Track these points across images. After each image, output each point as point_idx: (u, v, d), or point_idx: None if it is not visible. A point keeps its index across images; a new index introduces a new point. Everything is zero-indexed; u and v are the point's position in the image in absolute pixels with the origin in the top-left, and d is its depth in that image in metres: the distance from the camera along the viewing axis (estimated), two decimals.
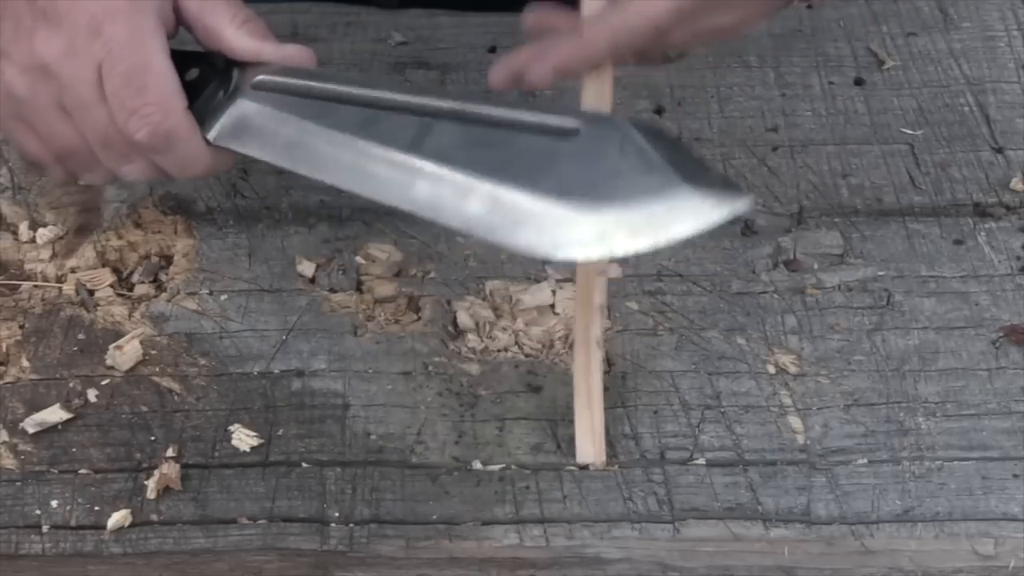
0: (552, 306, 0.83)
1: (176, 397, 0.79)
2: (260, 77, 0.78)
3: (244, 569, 0.74)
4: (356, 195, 0.74)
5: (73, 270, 0.84)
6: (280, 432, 0.77)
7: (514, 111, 0.73)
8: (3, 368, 0.80)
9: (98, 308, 0.82)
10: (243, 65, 0.78)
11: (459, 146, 0.73)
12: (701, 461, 0.76)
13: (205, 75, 0.78)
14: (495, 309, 0.83)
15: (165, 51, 0.76)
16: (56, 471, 0.76)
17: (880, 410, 0.78)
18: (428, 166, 0.72)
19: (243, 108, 0.77)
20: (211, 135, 0.77)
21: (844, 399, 0.79)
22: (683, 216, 0.68)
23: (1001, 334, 0.81)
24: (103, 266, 0.85)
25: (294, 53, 0.78)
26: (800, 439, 0.77)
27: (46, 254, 0.85)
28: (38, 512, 0.74)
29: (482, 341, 0.81)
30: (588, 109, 0.75)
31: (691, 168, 0.69)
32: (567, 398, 0.78)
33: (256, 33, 0.78)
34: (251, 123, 0.77)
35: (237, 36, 0.78)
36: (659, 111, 0.91)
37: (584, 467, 0.76)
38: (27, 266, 0.84)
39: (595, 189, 0.69)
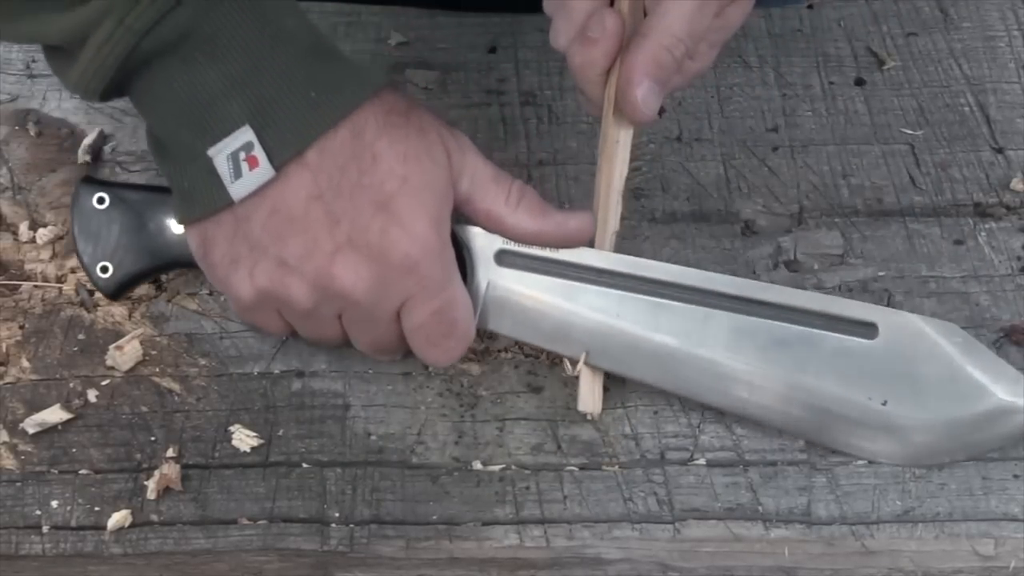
0: None
1: (176, 397, 0.79)
2: (501, 247, 0.76)
3: (244, 569, 0.74)
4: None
5: (73, 270, 0.84)
6: (280, 432, 0.77)
7: (805, 300, 0.76)
8: (3, 368, 0.80)
9: (98, 308, 0.82)
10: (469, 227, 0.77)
11: (764, 346, 0.75)
12: (701, 461, 0.76)
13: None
14: None
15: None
16: (56, 471, 0.76)
17: None
18: (740, 369, 0.75)
19: (497, 291, 0.76)
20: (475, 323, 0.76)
21: None
22: (999, 426, 0.74)
23: (1001, 334, 0.81)
24: None
25: (575, 231, 0.76)
26: (800, 440, 0.77)
27: (46, 254, 0.85)
28: (38, 512, 0.74)
29: (482, 341, 0.81)
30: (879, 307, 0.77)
31: (991, 368, 0.74)
32: (567, 399, 0.78)
33: (534, 211, 0.76)
34: (507, 304, 0.77)
35: (517, 219, 0.75)
36: (660, 111, 0.91)
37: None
38: (27, 266, 0.84)
39: (914, 398, 0.74)
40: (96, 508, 0.74)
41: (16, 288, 0.83)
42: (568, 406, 0.78)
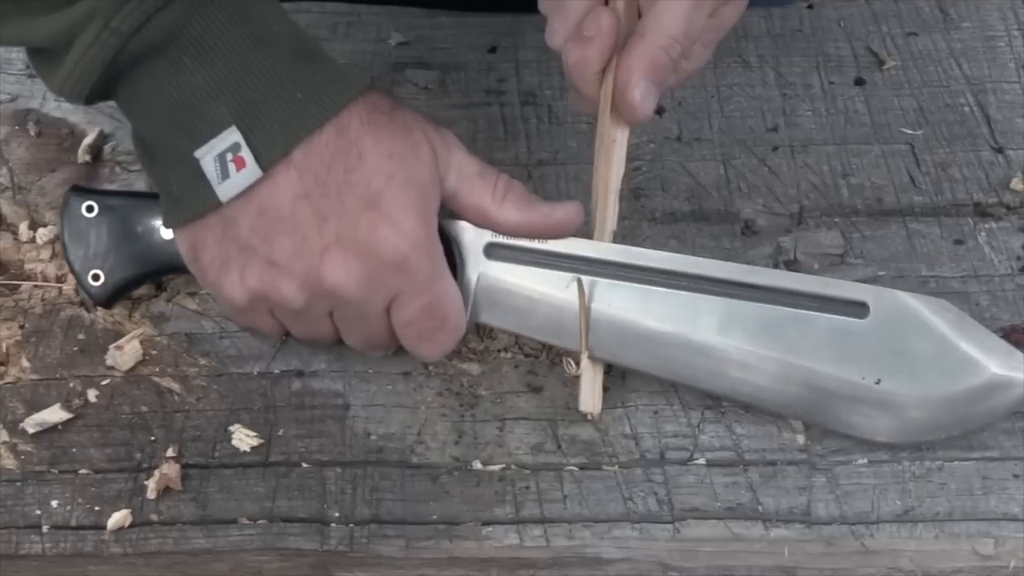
0: None
1: (176, 397, 0.79)
2: (490, 240, 0.76)
3: (244, 569, 0.74)
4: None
5: None
6: (280, 432, 0.77)
7: (795, 281, 0.76)
8: (3, 368, 0.80)
9: (98, 308, 0.82)
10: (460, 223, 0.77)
11: (756, 329, 0.75)
12: (701, 461, 0.76)
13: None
14: None
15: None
16: (56, 471, 0.76)
17: None
18: (733, 352, 0.75)
19: (488, 284, 0.77)
20: (467, 317, 0.77)
21: None
22: (993, 400, 0.74)
23: (1001, 334, 0.81)
24: None
25: (562, 221, 0.76)
26: (800, 439, 0.77)
27: (46, 254, 0.85)
28: (38, 512, 0.74)
29: (482, 341, 0.81)
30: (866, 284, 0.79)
31: (983, 342, 0.74)
32: (567, 398, 0.78)
33: (520, 203, 0.76)
34: (498, 296, 0.77)
35: (504, 213, 0.76)
36: (659, 111, 0.91)
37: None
38: (27, 266, 0.84)
39: (907, 375, 0.74)
40: (96, 508, 0.74)
41: (16, 288, 0.83)
42: (568, 406, 0.78)
